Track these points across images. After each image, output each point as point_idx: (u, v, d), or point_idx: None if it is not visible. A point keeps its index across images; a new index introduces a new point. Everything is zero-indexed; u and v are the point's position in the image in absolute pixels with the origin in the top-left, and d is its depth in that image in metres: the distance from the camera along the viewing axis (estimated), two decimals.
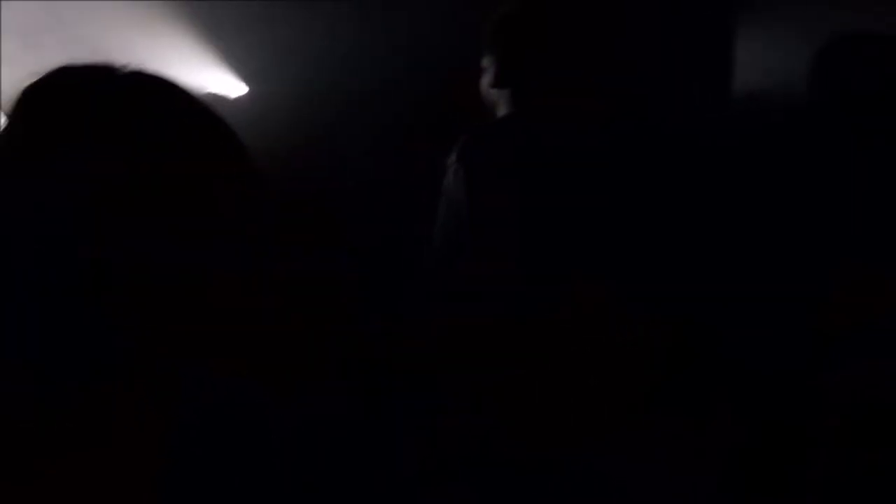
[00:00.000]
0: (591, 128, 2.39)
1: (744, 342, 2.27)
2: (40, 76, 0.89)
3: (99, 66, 0.90)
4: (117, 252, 0.82)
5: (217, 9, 3.30)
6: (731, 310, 2.28)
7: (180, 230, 0.85)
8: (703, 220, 2.41)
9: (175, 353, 0.86)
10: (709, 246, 2.36)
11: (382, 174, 3.04)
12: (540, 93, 2.44)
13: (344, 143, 3.19)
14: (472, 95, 2.57)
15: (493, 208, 2.33)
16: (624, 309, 2.15)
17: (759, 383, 2.24)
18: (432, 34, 3.14)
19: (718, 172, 2.54)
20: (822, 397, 2.18)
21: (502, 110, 2.49)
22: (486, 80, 2.53)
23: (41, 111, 0.87)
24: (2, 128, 0.89)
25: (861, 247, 2.29)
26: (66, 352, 0.82)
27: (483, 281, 2.26)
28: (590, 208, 2.29)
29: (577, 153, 2.33)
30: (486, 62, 2.52)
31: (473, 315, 2.19)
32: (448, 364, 2.10)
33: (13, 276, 0.81)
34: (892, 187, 2.33)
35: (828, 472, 2.14)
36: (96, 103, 0.87)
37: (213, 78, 3.43)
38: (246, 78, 3.48)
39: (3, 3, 2.98)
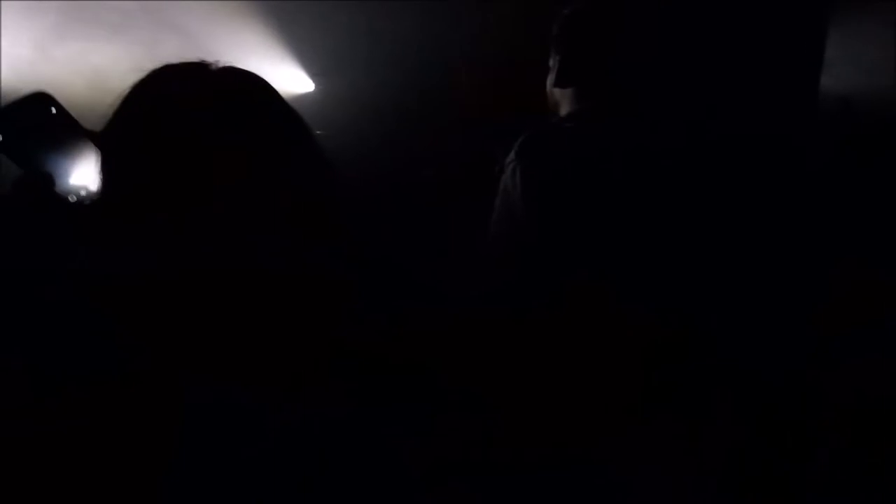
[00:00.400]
0: (651, 131, 2.36)
1: (743, 342, 2.26)
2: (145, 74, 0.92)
3: (194, 64, 0.92)
4: (118, 256, 0.82)
5: (287, 6, 3.33)
6: (731, 310, 2.28)
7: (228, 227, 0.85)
8: (704, 219, 2.41)
9: (176, 357, 0.86)
10: (710, 246, 2.35)
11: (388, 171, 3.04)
12: (603, 94, 2.41)
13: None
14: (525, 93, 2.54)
15: (549, 209, 2.29)
16: (624, 309, 2.15)
17: (758, 383, 2.24)
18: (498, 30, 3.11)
19: (723, 173, 2.53)
20: (821, 397, 2.18)
21: (565, 109, 2.47)
22: (550, 79, 2.50)
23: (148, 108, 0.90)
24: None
25: (861, 247, 2.29)
26: (67, 356, 0.82)
27: (535, 282, 2.23)
28: (646, 213, 2.26)
29: (635, 156, 2.30)
30: (552, 61, 2.49)
31: (476, 314, 2.18)
32: (448, 364, 2.10)
33: (17, 280, 0.81)
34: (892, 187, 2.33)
35: (828, 472, 2.14)
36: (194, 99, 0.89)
37: (283, 74, 3.45)
38: (313, 74, 3.50)
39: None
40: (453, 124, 2.57)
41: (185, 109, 0.92)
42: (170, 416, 0.86)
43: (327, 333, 0.94)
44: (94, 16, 3.13)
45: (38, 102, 1.01)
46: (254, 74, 0.96)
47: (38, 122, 0.98)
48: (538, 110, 2.51)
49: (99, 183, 0.90)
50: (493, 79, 2.95)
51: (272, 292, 0.89)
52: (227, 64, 0.95)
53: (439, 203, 2.47)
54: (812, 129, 2.50)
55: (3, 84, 3.06)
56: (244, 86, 0.95)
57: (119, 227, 0.86)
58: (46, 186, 0.89)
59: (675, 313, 2.19)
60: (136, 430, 0.85)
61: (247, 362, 0.89)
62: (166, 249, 0.85)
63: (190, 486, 0.85)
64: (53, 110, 1.01)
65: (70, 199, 0.90)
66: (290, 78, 3.48)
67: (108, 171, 0.89)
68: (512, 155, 2.36)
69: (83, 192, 0.92)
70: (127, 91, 0.94)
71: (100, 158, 0.90)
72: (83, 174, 0.92)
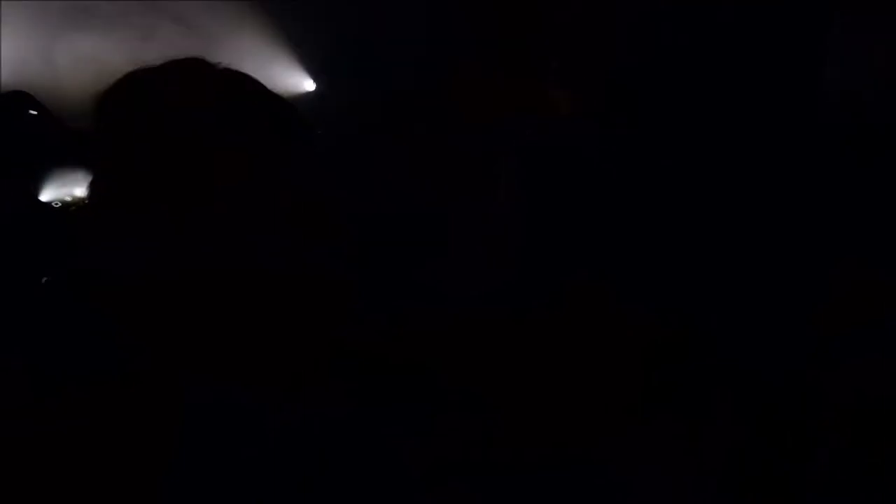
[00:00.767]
0: (650, 131, 2.36)
1: (743, 342, 2.26)
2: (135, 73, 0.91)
3: (194, 62, 0.92)
4: (118, 256, 0.82)
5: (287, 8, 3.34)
6: (732, 310, 2.28)
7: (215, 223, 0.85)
8: (704, 220, 2.41)
9: (176, 357, 0.86)
10: (709, 246, 2.35)
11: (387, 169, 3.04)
12: (603, 93, 2.41)
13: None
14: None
15: (549, 209, 2.29)
16: (624, 309, 2.15)
17: (758, 383, 2.24)
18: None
19: (724, 172, 2.53)
20: (821, 397, 2.18)
21: (565, 109, 2.47)
22: (550, 78, 2.50)
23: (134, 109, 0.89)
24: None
25: (861, 247, 2.29)
26: (67, 356, 0.82)
27: (535, 282, 2.24)
28: (646, 213, 2.26)
29: (635, 156, 2.30)
30: (552, 60, 2.50)
31: (476, 314, 2.19)
32: (448, 364, 2.10)
33: (15, 277, 0.81)
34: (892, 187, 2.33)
35: (828, 472, 2.14)
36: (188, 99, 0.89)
37: (283, 73, 3.45)
38: (313, 74, 3.50)
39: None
40: (453, 124, 2.57)
41: (186, 109, 0.91)
42: (170, 416, 0.86)
43: (327, 333, 0.94)
44: (94, 13, 3.14)
45: (15, 103, 0.96)
46: (252, 77, 0.96)
47: (15, 125, 0.93)
48: (538, 110, 2.51)
49: (97, 182, 0.89)
50: (493, 79, 2.95)
51: (272, 292, 0.89)
52: (228, 63, 0.95)
53: (439, 202, 2.48)
54: (814, 129, 2.49)
55: (3, 84, 3.06)
56: (245, 85, 0.95)
57: (119, 227, 0.86)
58: (24, 194, 0.88)
59: (675, 313, 2.19)
60: (136, 430, 0.85)
61: (247, 362, 0.89)
62: (166, 249, 0.85)
63: (190, 486, 0.85)
64: (33, 112, 0.96)
65: (54, 204, 0.88)
66: (290, 77, 3.48)
67: (106, 170, 0.89)
68: (512, 155, 2.36)
69: (68, 197, 0.90)
70: (124, 89, 0.92)
71: (96, 158, 0.89)
72: (69, 176, 0.89)
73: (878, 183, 2.34)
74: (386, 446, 0.98)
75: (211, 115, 0.92)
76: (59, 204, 1.02)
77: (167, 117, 0.90)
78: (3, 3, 3.09)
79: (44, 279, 0.81)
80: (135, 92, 0.92)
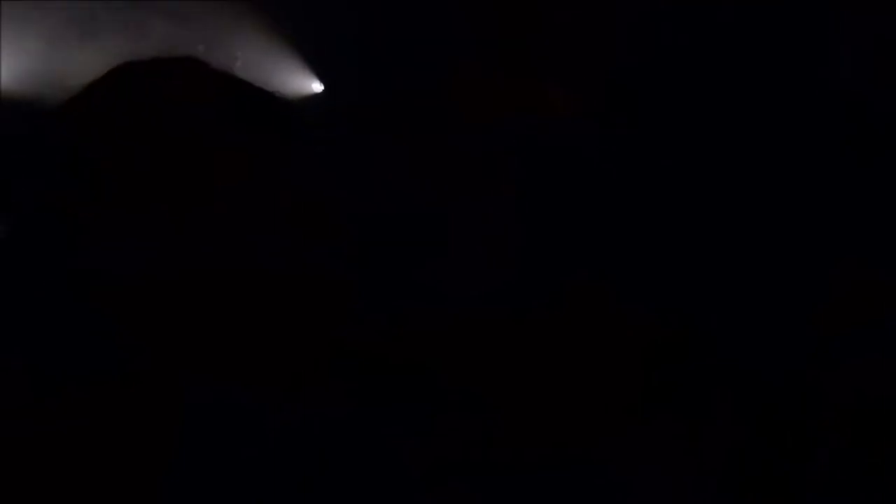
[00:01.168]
0: (651, 131, 2.36)
1: (743, 342, 2.26)
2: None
3: (193, 62, 0.92)
4: (118, 256, 0.82)
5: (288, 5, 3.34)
6: (731, 309, 2.28)
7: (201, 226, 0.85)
8: (704, 220, 2.41)
9: (176, 357, 0.86)
10: (709, 246, 2.35)
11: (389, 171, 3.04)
12: (603, 94, 2.41)
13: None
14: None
15: (549, 209, 2.29)
16: (624, 309, 2.15)
17: (758, 383, 2.24)
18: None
19: (724, 172, 2.53)
20: (821, 397, 2.18)
21: (565, 109, 2.47)
22: (549, 79, 2.50)
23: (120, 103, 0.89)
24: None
25: (861, 247, 2.29)
26: (67, 356, 0.82)
27: (535, 282, 2.24)
28: (646, 213, 2.26)
29: (635, 156, 2.30)
30: (551, 60, 2.50)
31: (476, 314, 2.18)
32: (448, 364, 2.10)
33: (15, 277, 0.81)
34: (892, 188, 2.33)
35: (828, 472, 2.13)
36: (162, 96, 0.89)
37: (283, 73, 3.45)
38: (313, 74, 3.50)
39: None
40: (453, 124, 2.57)
41: (186, 109, 0.91)
42: (170, 416, 0.86)
43: (327, 333, 0.94)
44: (95, 15, 3.14)
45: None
46: (252, 77, 0.96)
47: (14, 125, 0.94)
48: (538, 110, 2.51)
49: (95, 182, 0.89)
50: (493, 79, 2.95)
51: (272, 292, 0.89)
52: (226, 62, 0.95)
53: (439, 202, 2.47)
54: (813, 129, 2.49)
55: (3, 84, 3.07)
56: (244, 85, 0.95)
57: (119, 227, 0.86)
58: (24, 194, 0.88)
59: (675, 313, 2.19)
60: (136, 430, 0.85)
61: (247, 362, 0.89)
62: (166, 249, 0.85)
63: (190, 486, 0.85)
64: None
65: (53, 204, 0.88)
66: (289, 77, 3.48)
67: (105, 170, 0.89)
68: (512, 155, 2.36)
69: (58, 199, 0.89)
70: (121, 86, 0.92)
71: (93, 158, 0.89)
72: (57, 177, 0.89)
73: (878, 183, 2.34)
74: (386, 446, 0.98)
75: (211, 114, 0.92)
76: (59, 204, 1.02)
77: (167, 116, 0.90)
78: (2, 3, 3.10)
79: (43, 280, 0.81)
80: (131, 86, 0.92)
